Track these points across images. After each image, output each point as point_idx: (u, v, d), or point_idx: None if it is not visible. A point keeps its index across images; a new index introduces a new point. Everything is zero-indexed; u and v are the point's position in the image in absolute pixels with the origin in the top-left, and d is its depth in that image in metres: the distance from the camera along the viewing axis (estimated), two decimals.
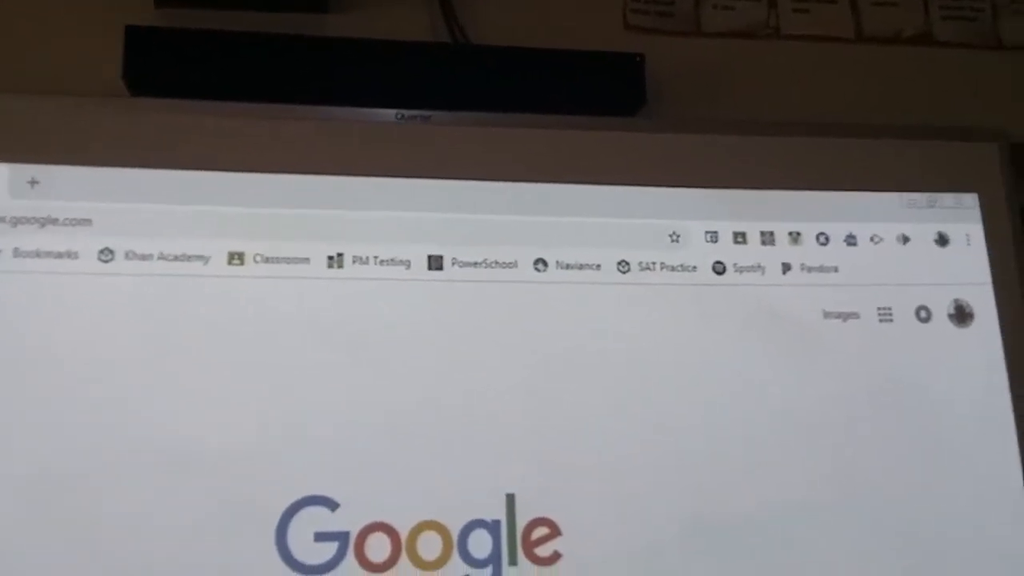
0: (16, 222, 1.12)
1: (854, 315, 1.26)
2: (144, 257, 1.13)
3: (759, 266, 1.26)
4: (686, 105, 1.38)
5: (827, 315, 1.26)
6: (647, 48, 1.36)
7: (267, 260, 1.16)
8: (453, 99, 1.27)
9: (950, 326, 1.27)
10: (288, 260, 1.16)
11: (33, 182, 1.13)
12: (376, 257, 1.18)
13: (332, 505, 1.07)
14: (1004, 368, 1.25)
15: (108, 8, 1.24)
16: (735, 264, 1.26)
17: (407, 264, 1.19)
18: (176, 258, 1.14)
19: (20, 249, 1.11)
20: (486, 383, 1.15)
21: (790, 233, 1.28)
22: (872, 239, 1.29)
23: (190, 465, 1.07)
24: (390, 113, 1.22)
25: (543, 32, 1.37)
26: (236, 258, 1.15)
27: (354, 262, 1.18)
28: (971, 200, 1.32)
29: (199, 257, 1.15)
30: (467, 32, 1.36)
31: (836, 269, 1.27)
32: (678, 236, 1.26)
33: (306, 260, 1.17)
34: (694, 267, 1.25)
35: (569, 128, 1.26)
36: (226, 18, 1.27)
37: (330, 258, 1.17)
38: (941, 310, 1.27)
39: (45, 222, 1.12)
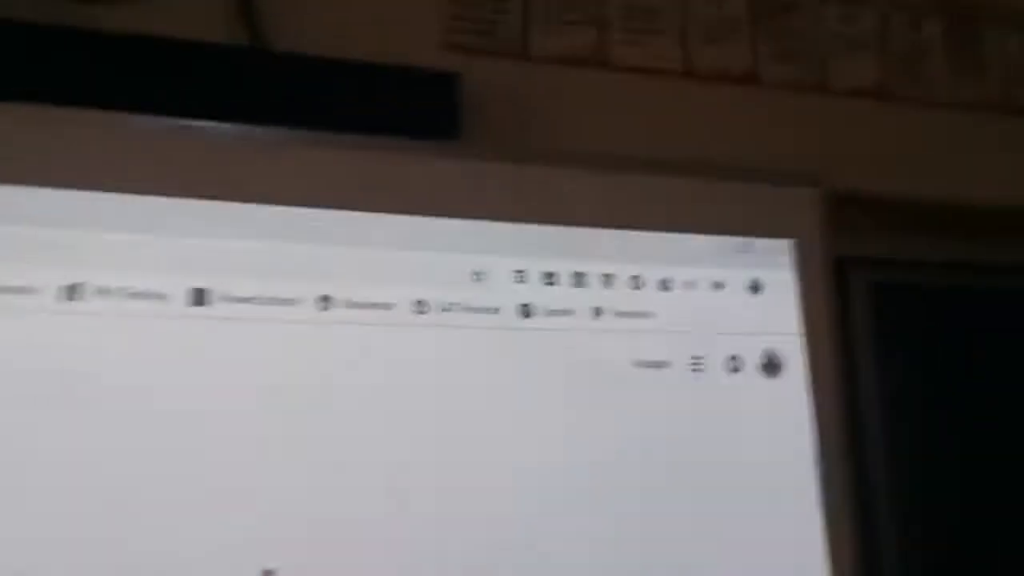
0: None
1: (666, 364, 1.19)
2: None
3: (569, 310, 1.17)
4: (505, 133, 1.28)
5: (638, 364, 1.18)
6: (467, 69, 1.25)
7: None
8: (240, 111, 1.12)
9: (759, 377, 1.22)
10: (9, 290, 0.97)
11: None
12: (124, 288, 1.01)
13: None
14: (807, 421, 1.21)
15: None
16: (544, 307, 1.16)
17: (162, 297, 1.02)
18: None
19: None
20: (247, 439, 1.00)
21: (603, 275, 1.19)
22: (687, 284, 1.22)
23: None
24: (156, 120, 1.05)
25: (353, 43, 1.23)
26: None
27: (97, 294, 1.00)
28: (786, 246, 1.27)
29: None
30: (268, 37, 1.20)
31: (649, 315, 1.20)
32: (482, 274, 1.14)
33: (32, 290, 0.98)
34: (498, 309, 1.14)
35: (367, 149, 1.13)
36: None
37: (66, 289, 0.99)
38: (752, 360, 1.21)
39: None
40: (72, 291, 0.99)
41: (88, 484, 0.93)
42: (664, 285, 1.21)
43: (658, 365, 1.18)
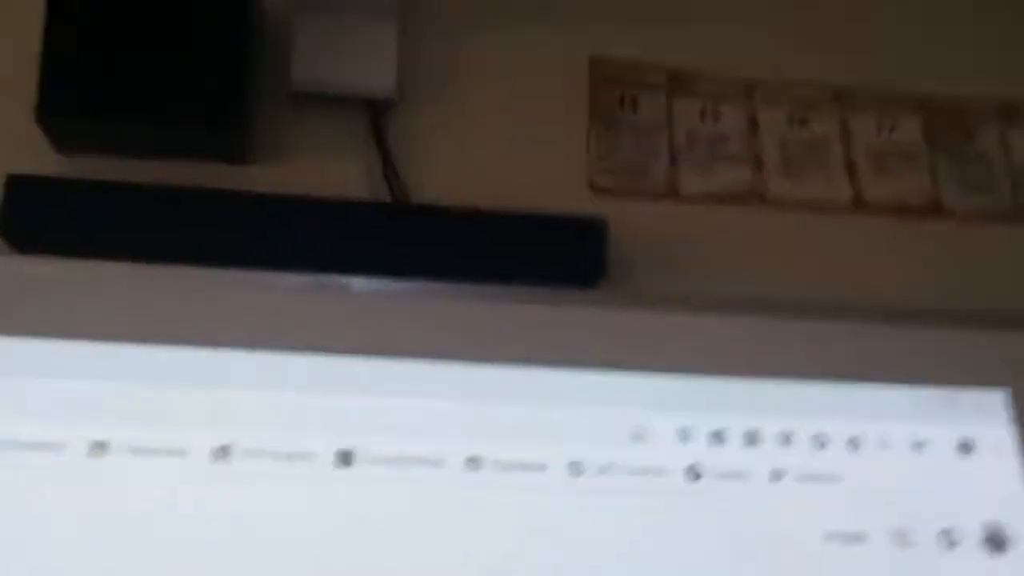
0: None
1: (863, 537, 1.02)
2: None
3: (743, 473, 1.04)
4: (656, 277, 1.20)
5: (828, 536, 1.01)
6: (614, 212, 1.20)
7: (135, 451, 0.95)
8: (384, 264, 1.10)
9: (983, 553, 1.02)
10: (161, 452, 0.96)
11: None
12: (272, 450, 0.98)
13: None
14: None
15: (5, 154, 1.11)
16: (714, 469, 1.03)
17: (309, 459, 0.98)
18: (29, 447, 0.94)
19: None
20: None
21: (780, 433, 1.06)
22: (880, 443, 1.06)
23: None
24: (307, 280, 1.05)
25: (496, 193, 1.21)
26: (98, 448, 0.95)
27: (245, 455, 0.97)
28: (1000, 398, 1.10)
29: (54, 445, 0.95)
30: (410, 191, 1.20)
31: (837, 479, 1.04)
32: (642, 432, 1.04)
33: (182, 452, 0.96)
34: (663, 470, 1.03)
35: (515, 301, 1.07)
36: (132, 167, 1.13)
37: (216, 450, 0.97)
38: (970, 534, 1.02)
39: None
40: (219, 452, 0.97)
41: None
42: (853, 444, 1.06)
43: (853, 539, 1.01)
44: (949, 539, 1.02)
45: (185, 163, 1.16)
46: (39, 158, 1.12)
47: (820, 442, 1.06)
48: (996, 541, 1.02)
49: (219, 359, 1.00)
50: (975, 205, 1.37)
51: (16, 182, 1.04)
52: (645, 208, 1.27)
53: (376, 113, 1.22)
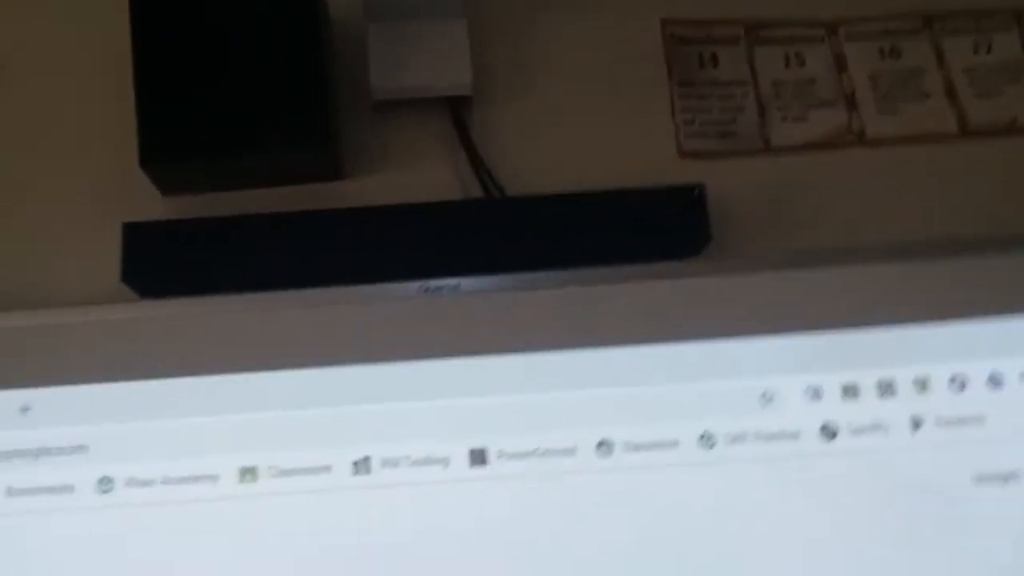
0: (7, 456, 1.00)
1: (1017, 475, 0.99)
2: (146, 483, 0.99)
3: (880, 425, 1.01)
4: (758, 236, 1.17)
5: (980, 479, 0.98)
6: (707, 175, 1.18)
7: (282, 473, 0.99)
8: (489, 262, 1.11)
9: None
10: (306, 471, 1.00)
11: (24, 408, 1.01)
12: (408, 457, 1.00)
13: None
14: None
15: (111, 202, 1.16)
16: (849, 425, 1.01)
17: (445, 462, 1.00)
18: (181, 480, 0.99)
19: (13, 487, 0.99)
20: None
21: (915, 380, 1.03)
22: (1022, 376, 1.02)
23: None
24: (413, 286, 1.07)
25: (584, 173, 1.20)
26: (248, 474, 0.99)
27: (383, 466, 1.00)
28: None
29: (207, 477, 0.99)
30: (502, 184, 1.21)
31: (982, 420, 1.01)
32: (771, 396, 1.02)
33: (327, 469, 1.00)
34: (796, 433, 1.01)
35: (623, 280, 1.07)
36: (236, 200, 1.16)
37: (355, 464, 1.00)
38: None
39: (39, 453, 1.00)
40: (359, 466, 1.00)
41: None
42: (995, 380, 1.02)
43: (1007, 477, 0.98)
44: None
45: (282, 189, 1.19)
46: (148, 203, 1.16)
47: (959, 384, 1.02)
48: None
49: (347, 375, 1.02)
50: None
51: (132, 229, 1.08)
52: (739, 166, 1.24)
53: (457, 111, 1.22)
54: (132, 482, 0.99)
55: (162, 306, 1.08)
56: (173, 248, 1.11)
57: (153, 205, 1.17)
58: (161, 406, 1.01)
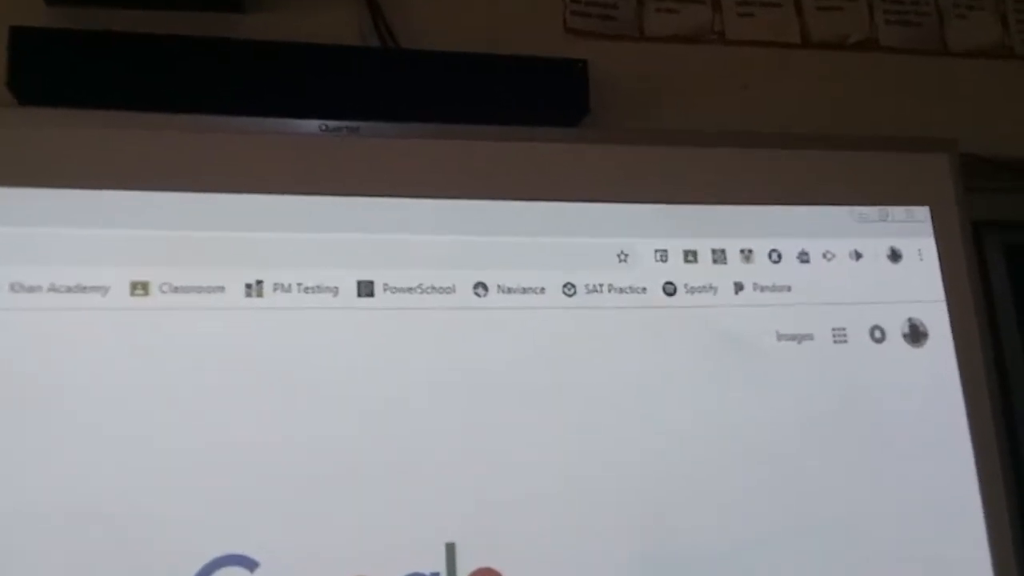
0: None
1: (808, 336, 1.21)
2: (32, 289, 1.00)
3: (711, 286, 1.20)
4: (629, 114, 1.31)
5: (781, 337, 1.20)
6: (588, 53, 1.28)
7: (176, 290, 1.04)
8: (381, 108, 1.17)
9: (904, 345, 1.22)
10: (200, 289, 1.05)
11: None
12: (300, 284, 1.07)
13: (251, 564, 0.97)
14: (959, 387, 1.21)
15: None
16: (686, 284, 1.19)
17: (334, 291, 1.08)
18: (70, 289, 1.01)
19: None
20: (421, 421, 1.06)
21: (742, 250, 1.21)
22: (825, 255, 1.24)
23: (89, 522, 0.95)
24: (313, 124, 1.11)
25: (477, 36, 1.27)
26: (140, 288, 1.03)
27: (275, 290, 1.07)
28: (923, 213, 1.27)
29: (96, 288, 1.02)
30: (397, 36, 1.25)
31: (789, 288, 1.22)
32: (626, 255, 1.18)
33: (220, 289, 1.05)
34: (644, 288, 1.18)
35: (508, 140, 1.17)
36: (128, 18, 1.14)
37: (248, 286, 1.06)
38: (895, 329, 1.22)
39: None
40: (252, 288, 1.06)
41: (290, 465, 1.00)
42: (803, 258, 1.23)
43: (800, 338, 1.20)
44: (878, 335, 1.21)
45: (176, 13, 1.17)
46: (29, 10, 1.11)
47: (776, 257, 1.22)
48: (915, 335, 1.23)
49: (242, 203, 1.07)
50: (904, 38, 1.50)
51: (20, 35, 1.04)
52: (617, 48, 1.35)
53: None
54: (17, 287, 1.00)
55: (45, 115, 1.06)
56: (61, 57, 1.08)
57: (33, 13, 1.12)
58: (49, 214, 1.02)
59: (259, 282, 1.06)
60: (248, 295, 1.06)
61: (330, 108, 1.15)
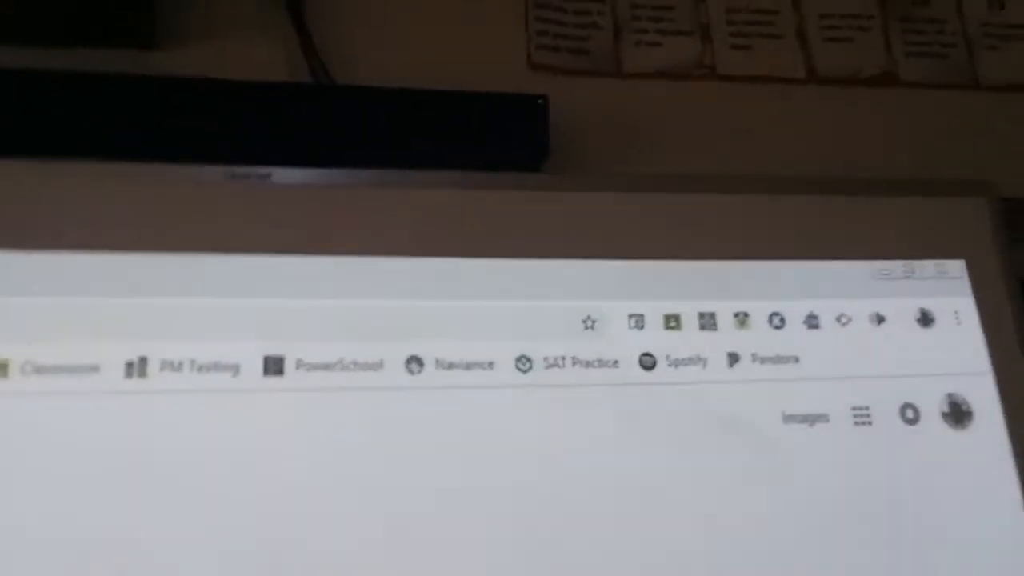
0: None
1: (822, 417, 0.99)
2: None
3: (699, 358, 0.99)
4: (601, 158, 1.13)
5: (788, 419, 0.98)
6: (556, 91, 1.11)
7: (38, 370, 0.86)
8: (306, 153, 1.00)
9: (945, 428, 1.00)
10: (69, 369, 0.87)
11: None
12: (193, 361, 0.89)
13: None
14: (1016, 476, 0.98)
15: None
16: (668, 356, 0.98)
17: (234, 369, 0.89)
18: None
19: None
20: (339, 525, 0.85)
21: (736, 314, 1.01)
22: (839, 319, 1.02)
23: None
24: (218, 171, 0.95)
25: (427, 73, 1.11)
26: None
27: (162, 369, 0.88)
28: (957, 268, 1.06)
29: None
30: (331, 71, 1.09)
31: (796, 359, 1.00)
32: (594, 321, 0.98)
33: (94, 368, 0.87)
34: (615, 361, 0.97)
35: (452, 187, 0.99)
36: (35, 56, 1.00)
37: (129, 364, 0.87)
38: (932, 408, 1.00)
39: None
40: (134, 367, 0.88)
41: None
42: (811, 322, 1.02)
43: (812, 419, 0.98)
44: (911, 415, 0.99)
45: (89, 50, 1.03)
46: None
47: (777, 322, 1.01)
48: (957, 414, 1.00)
49: (129, 263, 0.90)
50: (928, 72, 1.31)
51: None
52: (589, 85, 1.18)
53: None
54: None
55: None
56: None
57: None
58: None
59: (143, 359, 0.88)
60: (128, 375, 0.87)
61: (249, 152, 0.99)
